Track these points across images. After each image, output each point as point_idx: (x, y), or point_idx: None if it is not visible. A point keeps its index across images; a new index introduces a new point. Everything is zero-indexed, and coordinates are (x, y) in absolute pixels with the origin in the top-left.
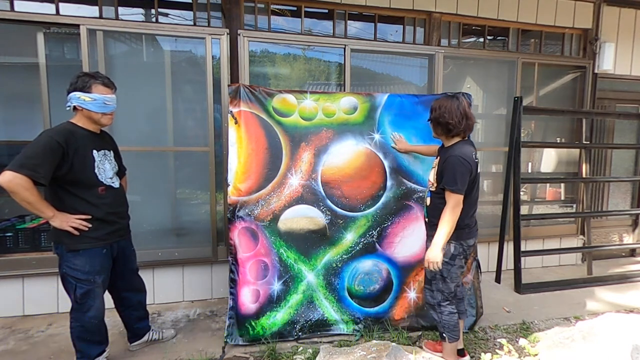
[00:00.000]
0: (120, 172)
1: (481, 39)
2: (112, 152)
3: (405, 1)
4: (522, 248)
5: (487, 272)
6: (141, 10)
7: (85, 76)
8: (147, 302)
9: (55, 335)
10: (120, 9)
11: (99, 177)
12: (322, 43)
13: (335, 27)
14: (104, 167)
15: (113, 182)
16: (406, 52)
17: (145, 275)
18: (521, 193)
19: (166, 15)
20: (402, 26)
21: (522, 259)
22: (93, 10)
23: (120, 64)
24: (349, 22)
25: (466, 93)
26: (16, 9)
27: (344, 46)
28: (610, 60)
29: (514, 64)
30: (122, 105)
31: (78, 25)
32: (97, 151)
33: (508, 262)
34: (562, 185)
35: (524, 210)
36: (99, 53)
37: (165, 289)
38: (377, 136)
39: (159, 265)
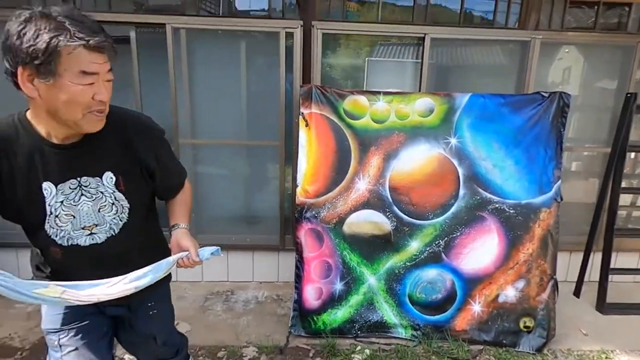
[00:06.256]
0: (165, 190)
1: (590, 20)
2: (112, 173)
3: None
4: (612, 263)
5: (565, 282)
6: (218, 5)
7: (44, 21)
8: (222, 280)
9: None
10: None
11: (50, 231)
12: (399, 32)
13: (415, 13)
14: (75, 212)
15: (92, 237)
16: (496, 39)
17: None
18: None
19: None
20: (492, 8)
21: (610, 276)
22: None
23: (200, 59)
24: (429, 9)
25: (564, 93)
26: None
27: (423, 35)
28: None
29: (632, 50)
30: (203, 100)
31: (164, 24)
32: (58, 183)
33: (592, 272)
34: None
35: (621, 216)
36: (182, 49)
37: (237, 269)
38: (453, 141)
39: (232, 248)
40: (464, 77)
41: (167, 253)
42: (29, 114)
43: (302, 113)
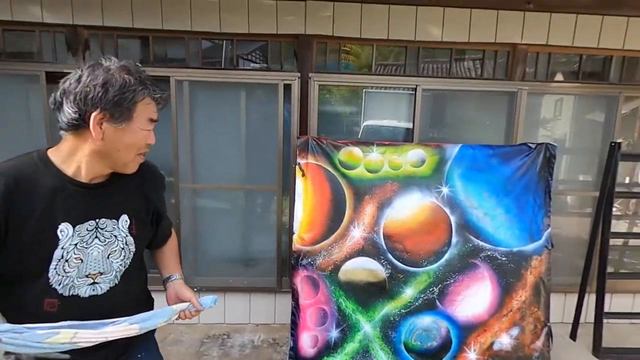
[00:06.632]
0: (160, 237)
1: (574, 72)
2: (127, 216)
3: (486, 34)
4: (606, 305)
5: (562, 324)
6: (221, 60)
7: (127, 75)
8: (218, 322)
9: None
10: (203, 59)
11: (53, 278)
12: (393, 83)
13: (407, 65)
14: (84, 256)
15: (94, 288)
16: (484, 90)
17: (219, 298)
18: (614, 209)
19: (246, 59)
20: (480, 60)
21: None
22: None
23: (202, 108)
24: (421, 59)
25: (550, 144)
26: None
27: (415, 86)
28: None
29: (615, 99)
30: (204, 147)
31: (169, 77)
32: (76, 224)
33: (588, 313)
34: None
35: (618, 228)
36: (184, 99)
37: (234, 311)
38: (445, 190)
39: (229, 290)
40: (456, 117)
41: (151, 299)
42: (51, 153)
43: (299, 163)
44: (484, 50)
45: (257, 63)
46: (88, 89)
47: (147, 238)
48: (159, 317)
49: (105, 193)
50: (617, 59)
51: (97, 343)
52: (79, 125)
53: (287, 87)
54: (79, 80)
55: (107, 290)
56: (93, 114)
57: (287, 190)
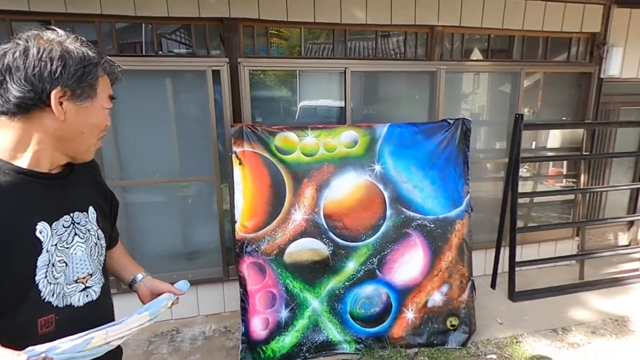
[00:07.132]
0: (115, 235)
1: (485, 51)
2: (93, 208)
3: (407, 17)
4: (518, 255)
5: (484, 276)
6: (141, 44)
7: (83, 47)
8: (165, 319)
9: None
10: (119, 41)
11: (45, 290)
12: (322, 66)
13: (335, 48)
14: (67, 258)
15: (87, 293)
16: (407, 70)
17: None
18: (524, 170)
19: (170, 38)
20: (403, 42)
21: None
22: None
23: (124, 99)
24: (348, 41)
25: (466, 118)
26: None
27: (344, 68)
28: (617, 65)
29: (518, 75)
30: (131, 140)
31: None
32: (52, 221)
33: (504, 264)
34: (565, 163)
35: (527, 188)
36: None
37: (181, 306)
38: (377, 167)
39: None
40: (385, 95)
41: None
42: None
43: (235, 152)
44: (406, 32)
45: (182, 43)
46: (44, 63)
47: (109, 233)
48: (154, 307)
49: (70, 183)
50: (519, 38)
51: (125, 339)
52: (32, 107)
53: (216, 73)
54: (25, 53)
55: (100, 292)
56: (53, 92)
57: (226, 178)
